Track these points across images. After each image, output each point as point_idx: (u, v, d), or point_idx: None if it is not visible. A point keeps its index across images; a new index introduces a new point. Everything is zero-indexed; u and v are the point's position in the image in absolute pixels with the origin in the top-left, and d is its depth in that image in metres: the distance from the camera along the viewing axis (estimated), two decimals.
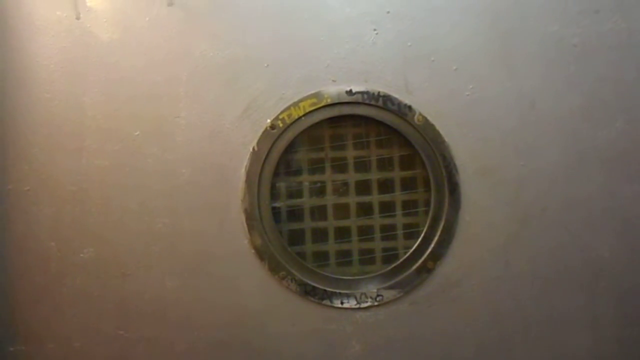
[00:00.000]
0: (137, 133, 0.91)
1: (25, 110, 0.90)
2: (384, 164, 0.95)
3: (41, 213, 0.91)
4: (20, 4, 0.91)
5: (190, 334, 0.92)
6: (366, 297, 0.92)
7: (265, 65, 0.91)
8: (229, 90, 0.91)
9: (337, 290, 0.92)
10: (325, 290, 0.92)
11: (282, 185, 0.95)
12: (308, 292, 0.92)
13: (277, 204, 0.94)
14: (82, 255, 0.91)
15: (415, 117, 0.92)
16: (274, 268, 0.91)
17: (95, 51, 0.90)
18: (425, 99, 0.91)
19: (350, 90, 0.92)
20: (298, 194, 0.95)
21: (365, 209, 0.96)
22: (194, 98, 0.91)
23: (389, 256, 0.95)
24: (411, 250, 0.93)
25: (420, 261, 0.92)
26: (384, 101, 0.92)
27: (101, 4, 0.91)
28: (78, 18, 0.91)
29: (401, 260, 0.93)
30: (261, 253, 0.91)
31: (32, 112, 0.90)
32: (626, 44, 0.91)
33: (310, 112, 0.92)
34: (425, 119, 0.92)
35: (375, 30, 0.91)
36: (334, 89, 0.92)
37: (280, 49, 0.91)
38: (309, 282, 0.92)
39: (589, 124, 0.91)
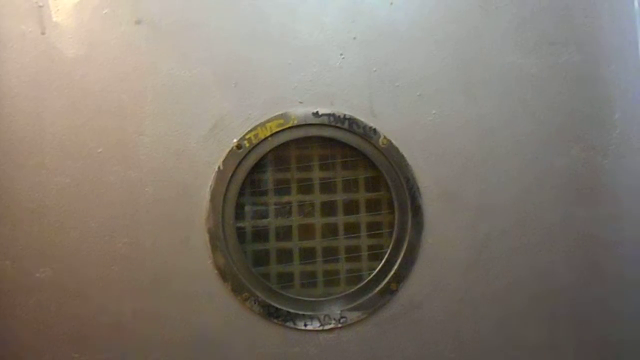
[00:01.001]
0: (99, 150, 0.89)
1: None
2: (350, 185, 0.96)
3: None
4: None
5: (150, 355, 0.89)
6: (330, 318, 0.92)
7: (233, 84, 0.92)
8: (195, 108, 0.91)
9: (301, 312, 0.91)
10: (288, 312, 0.91)
11: (247, 205, 0.95)
12: (271, 313, 0.91)
13: (241, 224, 0.94)
14: (37, 275, 0.88)
15: (380, 140, 0.94)
16: (237, 289, 0.90)
17: (59, 67, 0.89)
18: (389, 122, 0.93)
19: (317, 112, 0.93)
20: (263, 214, 0.95)
21: (330, 230, 0.96)
22: (160, 116, 0.90)
23: (353, 277, 0.95)
24: (375, 272, 0.94)
25: (383, 282, 0.93)
26: (350, 124, 0.93)
27: (67, 19, 0.90)
28: (43, 33, 0.90)
29: (365, 281, 0.93)
30: (224, 274, 0.90)
31: None
32: (581, 75, 0.96)
33: (277, 132, 0.92)
34: (390, 142, 0.94)
35: (341, 54, 0.93)
36: (300, 111, 0.93)
37: (249, 69, 0.92)
38: (273, 303, 0.91)
39: (545, 150, 0.95)
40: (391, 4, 0.93)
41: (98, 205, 0.89)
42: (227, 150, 0.91)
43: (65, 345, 0.88)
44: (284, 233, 0.95)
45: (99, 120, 0.89)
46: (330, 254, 0.96)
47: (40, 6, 0.90)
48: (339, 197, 0.96)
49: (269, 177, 0.95)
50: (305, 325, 0.91)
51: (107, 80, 0.89)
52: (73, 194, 0.88)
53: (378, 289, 0.93)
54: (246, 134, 0.91)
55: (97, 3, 0.90)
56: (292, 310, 0.91)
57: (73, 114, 0.89)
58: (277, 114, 0.92)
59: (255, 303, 0.91)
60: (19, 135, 0.88)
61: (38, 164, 0.88)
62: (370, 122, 0.93)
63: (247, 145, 0.92)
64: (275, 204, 0.95)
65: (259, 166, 0.94)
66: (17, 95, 0.89)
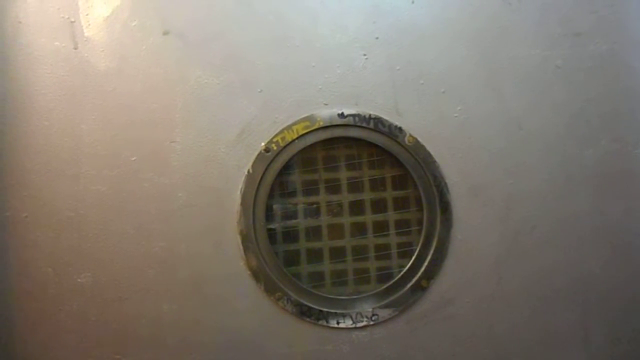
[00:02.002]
0: (133, 158, 0.92)
1: (24, 138, 0.92)
2: (377, 184, 0.97)
3: (39, 239, 0.92)
4: (18, 34, 0.94)
5: (187, 356, 0.92)
6: (362, 316, 0.93)
7: (259, 90, 0.94)
8: (223, 115, 0.93)
9: (333, 310, 0.93)
10: (321, 310, 0.93)
11: (277, 207, 0.97)
12: (304, 312, 0.93)
13: (272, 226, 0.96)
14: (79, 280, 0.92)
15: (406, 138, 0.94)
16: (270, 289, 0.92)
17: (92, 80, 0.92)
18: (415, 120, 0.94)
19: (342, 113, 0.94)
20: (293, 215, 0.97)
21: (359, 229, 0.97)
22: (189, 123, 0.93)
23: (384, 275, 0.96)
24: (405, 269, 0.94)
25: (414, 280, 0.94)
26: (375, 123, 0.94)
27: (98, 33, 0.93)
28: (76, 48, 0.93)
29: (395, 279, 0.94)
30: (257, 274, 0.92)
31: (30, 140, 0.92)
32: (608, 64, 0.94)
33: (304, 134, 0.94)
34: (416, 140, 0.94)
35: (365, 55, 0.94)
36: (326, 112, 0.94)
37: (273, 74, 0.93)
38: (305, 302, 0.93)
39: (575, 143, 0.94)
40: (412, 2, 0.94)
41: (134, 211, 0.92)
42: (256, 154, 0.93)
43: (107, 348, 0.92)
44: (314, 233, 0.97)
45: (132, 130, 0.92)
46: (359, 252, 0.97)
47: (72, 22, 0.93)
48: (367, 196, 0.97)
49: (297, 178, 0.97)
50: (338, 323, 0.93)
51: (138, 90, 0.92)
52: (110, 201, 0.92)
53: (409, 286, 0.94)
54: (273, 137, 0.93)
55: (126, 16, 0.93)
56: (324, 309, 0.93)
57: (107, 125, 0.92)
58: (303, 116, 0.93)
59: (288, 302, 0.92)
60: (57, 147, 0.92)
61: (76, 174, 0.92)
62: (396, 121, 0.94)
63: (275, 148, 0.94)
64: (304, 205, 0.97)
65: (287, 168, 0.95)
66: (54, 109, 0.92)
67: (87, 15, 0.93)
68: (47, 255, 0.92)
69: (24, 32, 0.94)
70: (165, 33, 0.93)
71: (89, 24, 0.93)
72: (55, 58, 0.93)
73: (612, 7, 0.94)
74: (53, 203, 0.92)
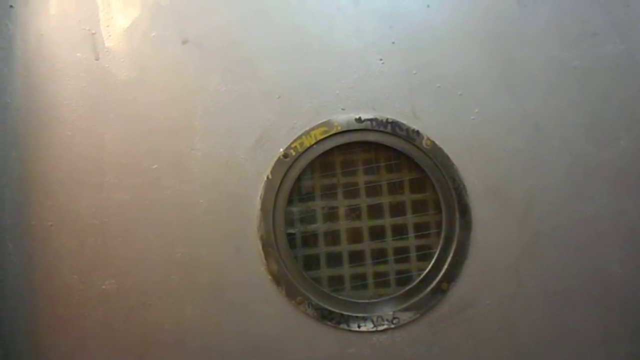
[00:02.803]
0: (155, 167, 0.94)
1: (48, 148, 0.94)
2: (395, 187, 0.98)
3: (64, 247, 0.93)
4: (41, 47, 0.96)
5: (212, 358, 0.93)
6: (382, 319, 0.93)
7: (277, 96, 0.95)
8: (242, 122, 0.94)
9: (354, 314, 0.93)
10: (342, 314, 0.93)
11: (296, 211, 0.98)
12: (325, 316, 0.93)
13: (292, 230, 0.97)
14: (103, 287, 0.93)
15: (424, 141, 0.95)
16: (291, 293, 0.93)
17: (114, 90, 0.94)
18: (432, 123, 0.94)
19: (360, 118, 0.95)
20: (312, 219, 0.98)
21: (378, 233, 0.98)
22: (209, 131, 0.94)
23: (403, 278, 0.96)
24: (425, 272, 0.95)
25: (434, 282, 0.94)
26: (393, 127, 0.95)
27: (119, 44, 0.95)
28: (97, 59, 0.95)
29: (416, 282, 0.95)
30: (278, 279, 0.93)
31: (54, 150, 0.94)
32: (626, 64, 0.95)
33: (321, 140, 0.95)
34: (434, 143, 0.95)
35: (381, 59, 0.95)
36: (343, 117, 0.95)
37: (291, 80, 0.95)
38: (326, 306, 0.93)
39: (593, 143, 0.94)
40: (428, 6, 0.95)
41: (156, 218, 0.93)
42: (275, 159, 0.94)
43: (132, 353, 0.93)
44: (333, 237, 0.97)
45: (153, 138, 0.94)
46: (379, 255, 0.97)
47: (93, 33, 0.95)
48: (385, 199, 0.97)
49: (316, 183, 0.97)
50: (359, 326, 0.93)
51: (158, 100, 0.94)
52: (132, 209, 0.93)
53: (429, 289, 0.94)
54: (292, 142, 0.94)
55: (145, 27, 0.95)
56: (345, 312, 0.93)
57: (129, 134, 0.94)
58: (320, 121, 0.94)
59: (309, 306, 0.93)
60: (80, 156, 0.94)
61: (99, 183, 0.94)
62: (413, 124, 0.94)
63: (293, 153, 0.94)
64: (322, 209, 0.98)
65: (305, 173, 0.96)
66: (77, 119, 0.94)
67: (107, 26, 0.95)
68: (72, 263, 0.94)
69: (47, 45, 0.96)
70: (184, 42, 0.95)
71: (110, 35, 0.95)
72: (77, 69, 0.95)
73: (628, 7, 0.94)
74: (77, 212, 0.93)
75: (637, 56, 0.94)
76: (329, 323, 0.93)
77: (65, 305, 0.94)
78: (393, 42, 0.94)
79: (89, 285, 0.93)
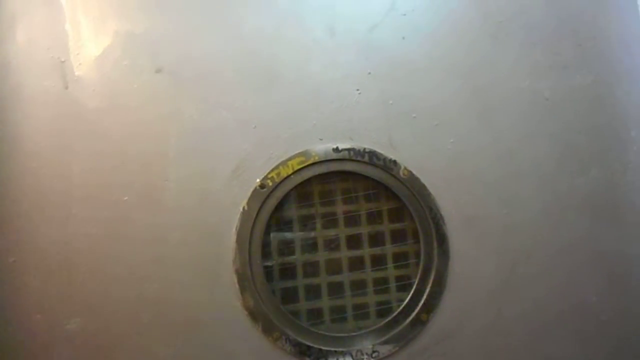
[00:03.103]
0: (125, 198, 0.90)
1: (13, 180, 0.90)
2: (373, 217, 0.97)
3: (27, 284, 0.88)
4: (7, 75, 0.92)
5: None
6: (362, 353, 0.91)
7: (253, 126, 0.93)
8: (217, 152, 0.92)
9: (333, 349, 0.91)
10: (320, 349, 0.91)
11: (273, 243, 0.95)
12: (303, 352, 0.90)
13: (268, 263, 0.94)
14: (68, 326, 0.88)
15: (401, 171, 0.94)
16: (268, 329, 0.90)
17: (83, 119, 0.91)
18: (409, 153, 0.94)
19: (337, 148, 0.94)
20: (290, 251, 0.95)
21: (357, 263, 0.96)
22: (183, 161, 0.91)
23: (383, 310, 0.95)
24: (404, 303, 0.93)
25: (414, 314, 0.92)
26: (370, 157, 0.94)
27: (89, 73, 0.92)
28: (66, 87, 0.92)
29: (395, 313, 0.93)
30: (254, 314, 0.90)
31: (19, 182, 0.90)
32: (594, 96, 0.97)
33: (299, 170, 0.93)
34: (411, 173, 0.94)
35: (358, 90, 0.95)
36: (321, 147, 0.94)
37: (267, 110, 0.93)
38: (304, 342, 0.90)
39: (565, 172, 0.95)
40: (403, 38, 0.96)
41: (126, 252, 0.89)
42: (251, 190, 0.92)
43: None
44: (311, 268, 0.95)
45: (124, 169, 0.90)
46: (358, 287, 0.95)
47: (63, 61, 0.92)
48: (364, 229, 0.96)
49: (294, 213, 0.96)
50: None
51: (130, 129, 0.91)
52: (102, 243, 0.89)
53: (408, 320, 0.92)
54: (268, 173, 0.93)
55: (117, 55, 0.92)
56: (324, 347, 0.91)
57: (99, 164, 0.90)
58: (297, 151, 0.93)
59: (287, 342, 0.90)
60: (47, 188, 0.90)
61: (66, 216, 0.89)
62: (390, 154, 0.94)
63: (270, 184, 0.93)
64: (301, 240, 0.96)
65: (282, 204, 0.94)
66: (43, 150, 0.90)
67: (77, 54, 0.93)
68: (36, 301, 0.88)
69: (13, 73, 0.92)
70: (158, 71, 0.93)
71: (80, 64, 0.92)
72: (45, 98, 0.91)
73: (595, 41, 0.97)
74: (42, 247, 0.89)
75: (605, 88, 0.97)
76: (307, 359, 0.90)
77: (30, 347, 0.88)
78: (369, 73, 0.95)
79: (54, 324, 0.88)
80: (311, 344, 0.90)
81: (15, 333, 0.88)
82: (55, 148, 0.90)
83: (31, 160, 0.90)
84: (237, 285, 0.90)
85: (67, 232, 0.89)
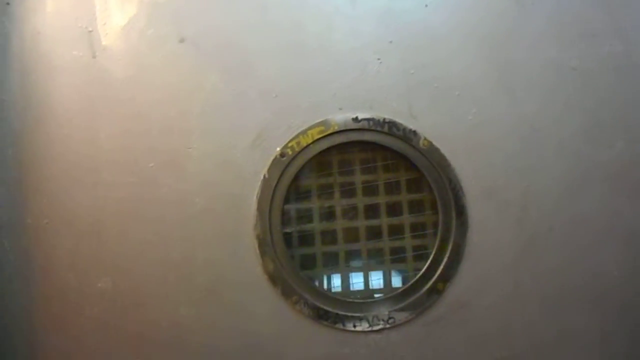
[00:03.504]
0: (151, 165, 0.94)
1: (44, 146, 0.94)
2: (392, 187, 0.97)
3: (59, 245, 0.93)
4: (38, 44, 0.96)
5: (207, 359, 0.93)
6: (378, 319, 0.93)
7: (274, 95, 0.94)
8: (239, 120, 0.94)
9: (350, 314, 0.93)
10: (337, 313, 0.93)
11: (292, 210, 0.97)
12: (321, 315, 0.93)
13: (288, 230, 0.97)
14: (99, 285, 0.93)
15: (421, 141, 0.94)
16: (287, 293, 0.93)
17: (110, 88, 0.94)
18: (429, 123, 0.94)
19: (357, 118, 0.94)
20: (308, 219, 0.97)
21: (374, 232, 0.98)
22: (206, 130, 0.94)
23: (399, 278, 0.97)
24: (421, 272, 0.95)
25: (430, 283, 0.94)
26: (390, 127, 0.94)
27: (116, 42, 0.95)
28: (94, 57, 0.95)
29: (411, 282, 0.95)
30: (274, 278, 0.93)
31: (50, 148, 0.94)
32: (624, 66, 0.94)
33: (318, 139, 0.95)
34: (430, 143, 0.94)
35: (379, 59, 0.94)
36: (340, 117, 0.94)
37: (288, 80, 0.94)
38: (322, 306, 0.93)
39: (590, 144, 0.94)
40: (426, 6, 0.94)
41: (152, 217, 0.93)
42: (271, 159, 0.94)
43: (127, 351, 0.93)
44: (329, 236, 0.98)
45: (149, 137, 0.93)
46: (375, 255, 0.97)
47: (90, 31, 0.95)
48: (382, 199, 0.97)
49: (313, 182, 0.97)
50: (355, 326, 0.93)
51: (155, 98, 0.94)
52: (129, 207, 0.93)
53: (425, 289, 0.94)
54: (289, 142, 0.94)
55: (142, 25, 0.94)
56: (341, 312, 0.93)
57: (125, 132, 0.94)
58: (317, 121, 0.94)
59: (304, 306, 0.93)
60: (77, 155, 0.94)
61: (95, 181, 0.93)
62: (410, 124, 0.94)
63: (290, 153, 0.94)
64: (319, 209, 0.98)
65: (302, 172, 0.96)
66: (73, 117, 0.94)
67: (104, 24, 0.95)
68: (68, 261, 0.94)
69: (43, 42, 0.95)
70: (181, 41, 0.94)
71: (107, 33, 0.95)
72: (74, 67, 0.95)
73: (628, 8, 0.94)
74: (73, 210, 0.93)
75: (636, 58, 0.94)
76: (324, 322, 0.93)
77: (61, 303, 0.94)
78: (390, 42, 0.94)
79: (84, 283, 0.93)
80: (328, 308, 0.93)
81: (49, 290, 0.94)
82: (84, 115, 0.94)
83: (62, 127, 0.94)
84: (257, 250, 0.93)
85: (97, 196, 0.93)
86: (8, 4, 0.96)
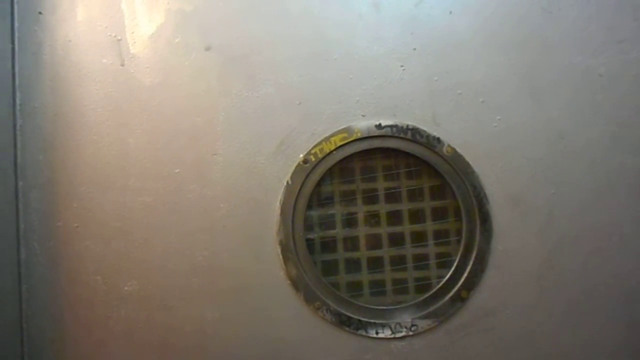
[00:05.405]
0: (177, 171, 0.95)
1: (74, 152, 0.97)
2: (415, 194, 0.97)
3: (88, 248, 0.96)
4: (68, 52, 0.98)
5: None
6: (401, 326, 0.93)
7: (298, 103, 0.95)
8: (263, 127, 0.95)
9: (372, 320, 0.93)
10: (360, 320, 0.93)
11: (315, 217, 0.98)
12: (343, 322, 0.93)
13: (311, 236, 0.97)
14: (126, 288, 0.95)
15: (444, 148, 0.94)
16: (309, 299, 0.94)
17: (138, 95, 0.96)
18: (453, 130, 0.94)
19: (380, 124, 0.95)
20: (331, 225, 0.98)
21: (397, 239, 0.98)
22: (231, 136, 0.95)
23: (422, 286, 0.96)
24: (444, 280, 0.94)
25: (454, 290, 0.93)
26: (413, 134, 0.95)
27: (143, 50, 0.97)
28: (122, 64, 0.97)
29: (435, 289, 0.94)
30: (297, 284, 0.94)
31: (80, 153, 0.96)
32: None
33: (341, 146, 0.95)
34: (454, 150, 0.94)
35: (402, 66, 0.95)
36: (363, 124, 0.95)
37: (312, 87, 0.95)
38: (344, 312, 0.93)
39: (618, 151, 0.92)
40: (450, 12, 0.94)
41: (178, 221, 0.95)
42: (295, 165, 0.95)
43: (153, 353, 0.94)
44: (352, 243, 0.98)
45: (176, 143, 0.95)
46: (398, 262, 0.97)
47: (119, 40, 0.98)
48: (405, 206, 0.97)
49: (335, 189, 0.98)
50: (377, 333, 0.93)
51: (181, 105, 0.96)
52: (155, 212, 0.95)
53: (448, 296, 0.93)
54: (312, 148, 0.95)
55: (169, 33, 0.96)
56: (363, 319, 0.93)
57: (152, 138, 0.96)
58: (340, 128, 0.95)
59: (327, 312, 0.93)
60: (105, 160, 0.96)
61: (123, 186, 0.96)
62: (434, 131, 0.94)
63: (313, 159, 0.95)
64: (342, 215, 0.98)
65: (325, 179, 0.97)
66: (102, 123, 0.96)
67: (132, 33, 0.97)
68: (96, 264, 0.96)
69: (74, 50, 0.98)
70: (207, 49, 0.96)
71: (135, 42, 0.97)
72: (103, 75, 0.97)
73: None
74: (101, 214, 0.96)
75: None
76: (347, 329, 0.93)
77: (88, 306, 0.96)
78: (414, 49, 0.94)
79: (111, 286, 0.95)
80: (351, 315, 0.93)
81: (77, 293, 0.96)
82: (113, 122, 0.96)
83: (92, 133, 0.96)
84: (280, 256, 0.94)
85: (125, 201, 0.95)
86: (41, 13, 0.99)
